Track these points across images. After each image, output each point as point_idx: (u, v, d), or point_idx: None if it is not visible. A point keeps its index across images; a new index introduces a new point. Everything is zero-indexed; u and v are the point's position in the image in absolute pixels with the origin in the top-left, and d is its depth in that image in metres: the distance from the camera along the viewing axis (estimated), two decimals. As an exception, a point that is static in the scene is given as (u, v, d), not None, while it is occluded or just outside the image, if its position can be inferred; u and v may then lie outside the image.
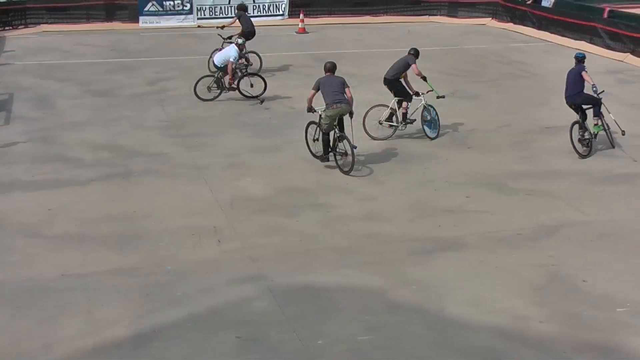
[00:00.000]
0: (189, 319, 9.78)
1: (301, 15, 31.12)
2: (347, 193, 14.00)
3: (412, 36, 30.17)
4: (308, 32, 30.72)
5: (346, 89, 14.97)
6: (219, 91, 19.80)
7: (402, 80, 17.09)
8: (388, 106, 17.09)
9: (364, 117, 16.84)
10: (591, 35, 28.20)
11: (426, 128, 17.14)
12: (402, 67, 17.02)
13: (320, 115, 15.11)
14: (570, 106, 16.69)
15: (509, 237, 12.31)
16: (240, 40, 20.30)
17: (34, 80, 22.03)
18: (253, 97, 19.80)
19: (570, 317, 10.00)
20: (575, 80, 16.59)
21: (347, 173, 14.85)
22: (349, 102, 14.93)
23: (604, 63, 25.46)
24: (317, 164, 15.38)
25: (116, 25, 31.33)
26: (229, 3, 32.28)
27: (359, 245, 11.96)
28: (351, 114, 15.12)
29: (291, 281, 10.77)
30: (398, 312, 10.05)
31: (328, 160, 15.31)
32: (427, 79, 17.20)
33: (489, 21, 33.86)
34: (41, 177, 14.53)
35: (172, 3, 31.98)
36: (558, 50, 27.93)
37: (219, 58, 19.84)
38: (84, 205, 13.26)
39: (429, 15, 34.71)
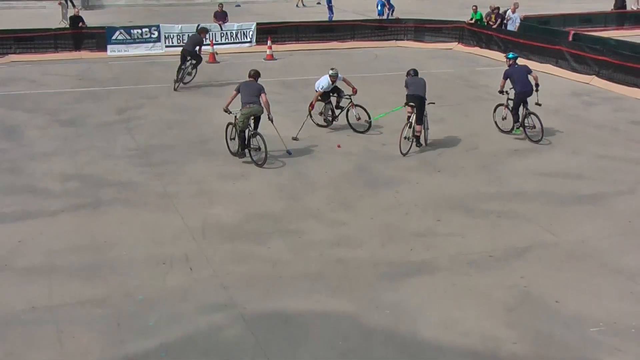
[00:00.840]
0: (162, 348, 9.71)
1: (269, 42, 31.24)
2: (318, 218, 14.01)
3: (380, 60, 30.42)
4: (276, 59, 30.84)
5: (262, 95, 16.95)
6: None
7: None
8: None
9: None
10: (557, 58, 28.56)
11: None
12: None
13: (235, 116, 16.94)
14: (521, 100, 18.89)
15: (479, 259, 12.37)
16: None
17: (2, 111, 21.88)
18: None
19: (543, 338, 10.06)
20: (527, 78, 18.84)
21: (260, 166, 16.70)
22: (264, 106, 16.85)
23: (570, 85, 25.81)
24: (287, 190, 15.41)
25: (84, 54, 31.24)
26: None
27: (330, 270, 11.96)
28: (270, 119, 16.84)
29: (263, 308, 10.74)
30: (370, 337, 10.05)
31: (244, 156, 17.15)
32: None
33: (455, 45, 34.19)
34: (10, 208, 14.39)
35: (140, 31, 31.98)
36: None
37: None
38: (53, 236, 13.15)
39: (396, 40, 34.99)
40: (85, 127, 20.25)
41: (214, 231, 13.42)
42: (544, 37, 30.49)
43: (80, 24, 32.42)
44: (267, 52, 30.98)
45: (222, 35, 32.85)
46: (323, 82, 19.33)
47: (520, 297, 11.15)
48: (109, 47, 31.57)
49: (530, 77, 18.95)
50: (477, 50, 32.94)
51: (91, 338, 9.94)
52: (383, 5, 39.93)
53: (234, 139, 17.39)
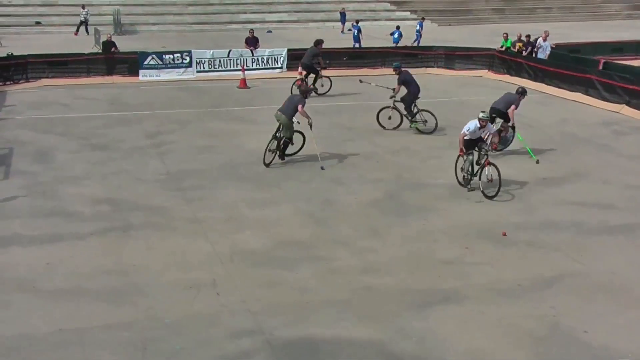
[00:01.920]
0: (188, 373, 9.73)
1: (300, 68, 31.34)
2: (346, 246, 13.99)
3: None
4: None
5: (298, 106, 18.67)
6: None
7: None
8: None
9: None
10: (586, 87, 28.40)
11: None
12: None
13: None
14: (415, 99, 22.11)
15: (508, 289, 12.30)
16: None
17: (34, 135, 22.13)
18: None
19: (571, 369, 9.98)
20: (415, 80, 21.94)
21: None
22: (287, 114, 18.75)
23: (600, 114, 25.65)
24: (315, 216, 15.42)
25: (116, 78, 31.53)
26: (228, 56, 32.60)
27: (357, 298, 11.94)
28: (310, 125, 18.78)
29: (290, 334, 10.74)
30: (397, 365, 10.02)
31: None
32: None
33: (485, 73, 34.12)
34: (40, 231, 14.52)
35: (171, 56, 32.24)
36: (552, 101, 28.16)
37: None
38: (81, 259, 13.24)
39: (426, 67, 35.00)
40: (116, 151, 20.42)
41: (242, 257, 13.44)
42: (574, 65, 30.40)
43: (113, 49, 32.78)
44: (298, 77, 31.08)
45: (254, 61, 33.03)
46: (470, 125, 16.97)
47: (549, 327, 11.06)
48: (141, 72, 31.84)
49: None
50: (507, 77, 32.82)
51: (118, 362, 9.98)
52: (400, 35, 39.99)
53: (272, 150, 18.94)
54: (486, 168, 16.81)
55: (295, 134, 19.34)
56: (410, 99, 22.26)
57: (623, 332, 10.96)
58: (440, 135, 22.11)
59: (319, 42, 28.23)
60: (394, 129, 22.36)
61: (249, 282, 12.40)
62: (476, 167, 17.20)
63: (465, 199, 16.66)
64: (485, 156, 16.99)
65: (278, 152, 19.16)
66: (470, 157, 17.22)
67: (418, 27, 42.00)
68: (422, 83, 27.85)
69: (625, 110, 25.99)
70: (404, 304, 11.75)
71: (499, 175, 16.62)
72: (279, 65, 33.58)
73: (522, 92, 20.58)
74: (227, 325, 10.98)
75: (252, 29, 34.90)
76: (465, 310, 11.58)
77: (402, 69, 22.79)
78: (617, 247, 14.13)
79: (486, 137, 17.21)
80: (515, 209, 16.05)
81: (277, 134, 19.04)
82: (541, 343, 10.62)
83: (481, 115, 16.92)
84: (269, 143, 18.97)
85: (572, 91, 28.73)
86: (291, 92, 25.87)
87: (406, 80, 22.34)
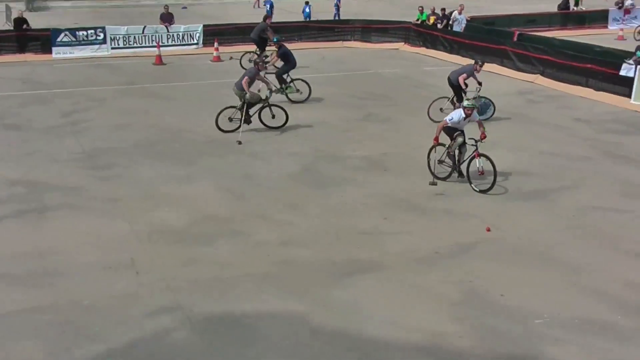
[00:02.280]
0: (108, 354, 9.63)
1: (215, 44, 31.13)
2: (265, 219, 14.00)
3: (327, 62, 30.46)
4: (223, 61, 30.70)
5: (245, 78, 19.14)
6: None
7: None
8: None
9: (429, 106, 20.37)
10: (502, 58, 28.92)
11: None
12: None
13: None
14: (292, 68, 22.77)
15: (426, 256, 12.49)
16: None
17: (-58, 116, 21.50)
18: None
19: (489, 331, 10.22)
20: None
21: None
22: (237, 86, 19.25)
23: (515, 84, 26.17)
24: (234, 191, 15.38)
25: (29, 56, 30.74)
26: (143, 32, 32.12)
27: (277, 271, 11.97)
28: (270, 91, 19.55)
29: (210, 310, 10.70)
30: (318, 336, 10.08)
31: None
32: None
33: (401, 46, 34.38)
34: (-49, 215, 14.15)
35: (85, 33, 31.59)
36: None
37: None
38: (-4, 243, 12.96)
39: (343, 40, 35.07)
40: (30, 131, 19.96)
41: (161, 235, 13.32)
42: (490, 37, 30.86)
43: (25, 26, 31.92)
44: (214, 54, 30.86)
45: (169, 37, 32.61)
46: (455, 115, 15.65)
47: (466, 292, 11.29)
48: (54, 49, 31.13)
49: None
50: (423, 50, 33.19)
51: (36, 345, 9.81)
52: (309, 10, 39.80)
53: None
54: (476, 160, 15.42)
55: (278, 109, 19.78)
56: (286, 69, 22.80)
57: (538, 294, 11.24)
58: (356, 108, 22.26)
59: (266, 17, 29.17)
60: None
61: (168, 260, 12.30)
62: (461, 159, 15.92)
63: (382, 169, 16.81)
64: (475, 147, 15.49)
65: (244, 118, 19.33)
66: (460, 139, 15.67)
67: (336, 1, 41.97)
68: (339, 56, 28.04)
69: (540, 79, 26.59)
70: (323, 275, 11.82)
71: (494, 166, 15.22)
72: (195, 42, 33.25)
73: (477, 62, 20.64)
74: (147, 303, 10.88)
75: (166, 5, 34.38)
76: (384, 279, 11.72)
77: (282, 43, 23.63)
78: (532, 212, 14.47)
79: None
80: (430, 177, 16.24)
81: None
82: (459, 308, 10.83)
83: (466, 103, 15.61)
84: (222, 112, 19.41)
85: (488, 62, 29.09)
86: (241, 66, 26.70)
87: (286, 53, 22.99)
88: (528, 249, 12.90)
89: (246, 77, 19.32)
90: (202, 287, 11.37)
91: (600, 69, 24.87)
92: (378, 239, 13.24)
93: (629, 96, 23.62)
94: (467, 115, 15.37)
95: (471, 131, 15.77)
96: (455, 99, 20.47)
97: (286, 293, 11.21)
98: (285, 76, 22.90)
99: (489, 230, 13.50)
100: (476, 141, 15.41)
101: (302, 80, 23.02)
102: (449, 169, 15.93)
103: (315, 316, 10.55)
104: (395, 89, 25.38)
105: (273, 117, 19.80)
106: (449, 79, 20.61)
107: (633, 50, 24.91)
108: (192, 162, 17.27)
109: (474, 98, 19.87)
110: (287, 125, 19.83)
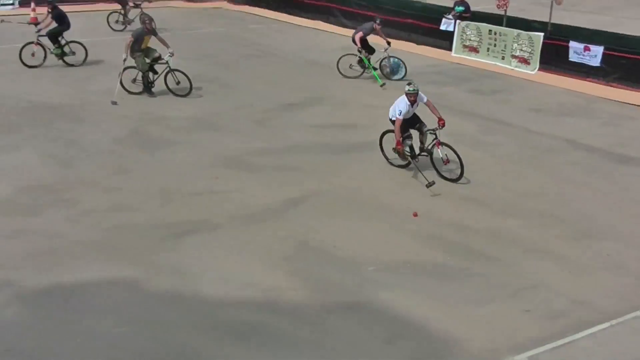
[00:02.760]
0: None
1: (32, 5, 29.87)
2: (92, 186, 13.67)
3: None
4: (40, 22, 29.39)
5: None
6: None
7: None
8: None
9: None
10: (327, 15, 29.34)
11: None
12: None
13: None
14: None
15: (258, 213, 12.61)
16: None
17: None
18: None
19: (322, 282, 10.47)
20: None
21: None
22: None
23: (340, 40, 26.45)
24: (59, 158, 14.92)
25: None
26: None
27: (109, 237, 11.74)
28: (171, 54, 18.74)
29: (40, 284, 10.35)
30: (153, 300, 10.01)
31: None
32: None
33: (224, 4, 34.16)
34: None
35: None
36: (293, 30, 28.77)
37: None
38: None
39: (166, 0, 34.43)
40: None
41: (-17, 208, 12.79)
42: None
43: None
44: (32, 15, 29.56)
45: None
46: (400, 105, 14.04)
47: (299, 246, 11.50)
48: None
49: None
50: (246, 8, 33.11)
51: None
52: None
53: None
54: (438, 150, 14.01)
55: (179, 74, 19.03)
56: (59, 31, 22.01)
57: (369, 243, 11.61)
58: (182, 68, 22.00)
59: None
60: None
61: (-9, 234, 11.84)
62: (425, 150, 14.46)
63: (212, 130, 16.75)
64: (434, 136, 14.02)
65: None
66: (409, 142, 14.25)
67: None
68: (162, 17, 27.52)
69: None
70: (156, 239, 11.72)
71: (457, 154, 13.95)
72: (11, 2, 31.80)
73: (375, 20, 21.19)
74: (-29, 280, 10.46)
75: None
76: (217, 238, 11.76)
77: (55, 5, 22.60)
78: (359, 164, 14.84)
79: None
80: (260, 135, 16.37)
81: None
82: (292, 262, 11.02)
83: (408, 88, 13.94)
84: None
85: (313, 19, 29.49)
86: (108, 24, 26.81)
87: (60, 15, 22.17)
88: (358, 199, 13.25)
89: (130, 38, 18.64)
90: (31, 260, 10.98)
91: (422, 24, 25.71)
92: (209, 198, 13.23)
93: (450, 49, 24.60)
94: (413, 102, 13.91)
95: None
96: (363, 55, 20.90)
97: (119, 259, 11.04)
98: (60, 38, 22.05)
99: (415, 215, 12.60)
100: (434, 130, 14.00)
101: (77, 42, 22.27)
102: (409, 157, 14.39)
103: (150, 281, 10.45)
104: (220, 49, 25.21)
105: (177, 83, 19.12)
106: (352, 39, 21.06)
107: (452, 5, 25.73)
108: (13, 130, 16.57)
109: (384, 59, 20.22)
110: (114, 88, 19.24)
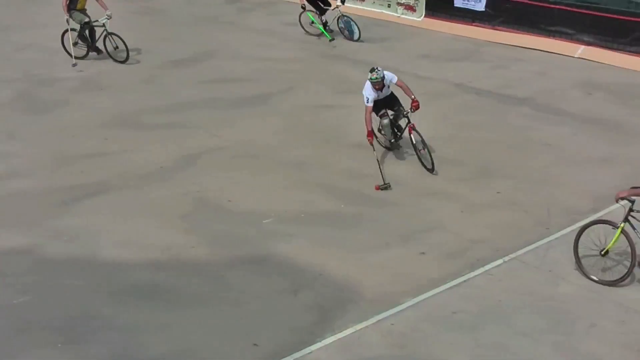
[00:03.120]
0: None
1: None
2: (-19, 153, 13.32)
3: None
4: None
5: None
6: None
7: None
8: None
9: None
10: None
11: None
12: None
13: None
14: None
15: (152, 172, 12.55)
16: None
17: None
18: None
19: (221, 237, 10.58)
20: None
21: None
22: None
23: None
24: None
25: None
26: None
27: (2, 206, 11.51)
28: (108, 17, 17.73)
29: None
30: (51, 267, 9.90)
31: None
32: None
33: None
34: None
35: None
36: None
37: None
38: None
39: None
40: None
41: None
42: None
43: None
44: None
45: None
46: (367, 92, 12.64)
47: (195, 202, 11.53)
48: None
49: None
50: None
51: None
52: None
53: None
54: (411, 135, 12.68)
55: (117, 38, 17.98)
56: None
57: (264, 196, 11.73)
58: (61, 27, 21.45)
59: None
60: None
61: None
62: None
63: (100, 89, 16.43)
64: (406, 120, 12.70)
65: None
66: (386, 121, 12.97)
67: None
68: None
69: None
70: (51, 204, 11.53)
71: (425, 145, 12.62)
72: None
73: None
74: None
75: None
76: (114, 200, 11.67)
77: None
78: (253, 118, 14.85)
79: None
80: (150, 93, 16.20)
81: None
82: (189, 219, 11.05)
83: (370, 76, 12.48)
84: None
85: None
86: None
87: None
88: (252, 153, 13.31)
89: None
90: None
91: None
92: (102, 160, 13.06)
93: (337, -1, 24.49)
94: (379, 89, 12.58)
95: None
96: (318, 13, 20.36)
97: (15, 227, 10.83)
98: None
99: (378, 189, 11.95)
100: (406, 112, 12.73)
101: None
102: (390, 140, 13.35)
103: (46, 248, 10.31)
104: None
105: (115, 47, 18.04)
106: None
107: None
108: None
109: (338, 18, 19.75)
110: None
